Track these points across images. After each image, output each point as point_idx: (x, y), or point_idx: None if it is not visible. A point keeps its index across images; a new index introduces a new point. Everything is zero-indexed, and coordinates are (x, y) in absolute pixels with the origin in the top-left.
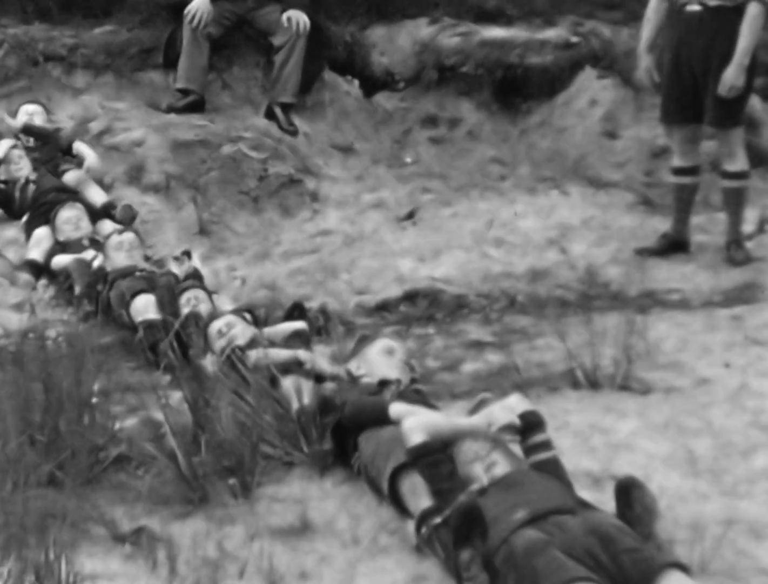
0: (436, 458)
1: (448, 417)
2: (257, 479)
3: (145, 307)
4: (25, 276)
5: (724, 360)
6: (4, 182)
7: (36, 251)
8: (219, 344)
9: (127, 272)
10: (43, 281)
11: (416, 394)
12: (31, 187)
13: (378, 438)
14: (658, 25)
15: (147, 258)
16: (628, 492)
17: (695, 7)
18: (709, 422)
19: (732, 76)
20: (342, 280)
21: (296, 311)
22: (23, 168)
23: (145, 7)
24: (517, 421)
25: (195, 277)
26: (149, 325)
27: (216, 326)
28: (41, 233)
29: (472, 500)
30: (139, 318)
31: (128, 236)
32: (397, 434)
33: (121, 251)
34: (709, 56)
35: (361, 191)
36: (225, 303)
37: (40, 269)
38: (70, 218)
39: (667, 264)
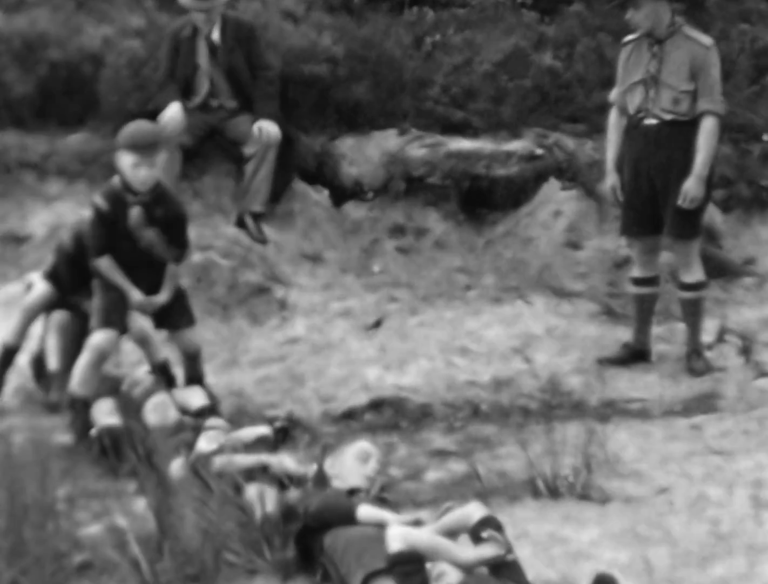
0: (413, 567)
1: (433, 535)
2: None
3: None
4: None
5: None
6: None
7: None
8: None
9: None
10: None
11: (381, 502)
12: None
13: (347, 536)
14: (620, 141)
15: None
16: None
17: (652, 121)
18: (668, 531)
19: (692, 187)
20: (309, 388)
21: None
22: None
23: (118, 116)
24: (504, 554)
25: (164, 374)
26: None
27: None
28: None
29: None
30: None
31: None
32: (368, 534)
33: None
34: (668, 169)
35: (329, 299)
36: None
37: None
38: None
39: (628, 373)
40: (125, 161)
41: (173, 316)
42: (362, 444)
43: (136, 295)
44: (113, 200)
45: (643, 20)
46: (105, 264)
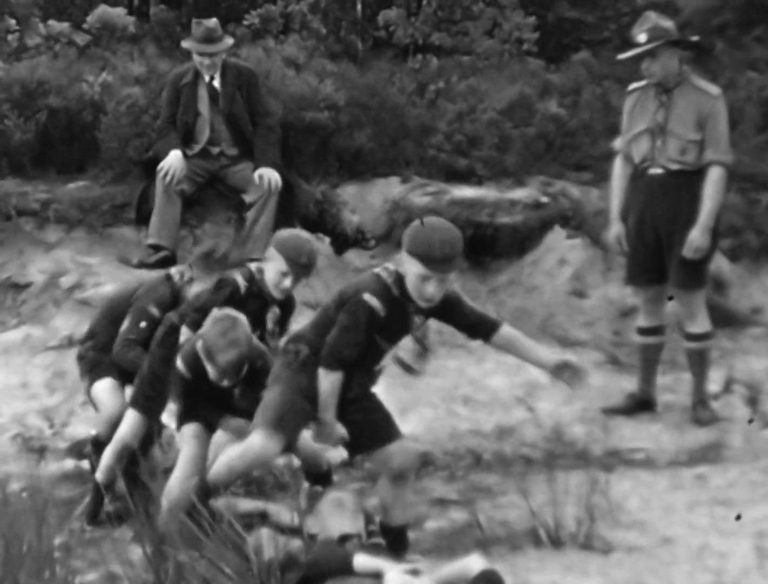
0: None
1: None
2: None
3: None
4: None
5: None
6: None
7: None
8: None
9: None
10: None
11: (376, 548)
12: None
13: None
14: (625, 190)
15: None
16: None
17: (658, 171)
18: (671, 582)
19: (698, 238)
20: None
21: None
22: None
23: (118, 163)
24: None
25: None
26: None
27: None
28: None
29: None
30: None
31: None
32: None
33: None
34: (674, 219)
35: None
36: None
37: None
38: None
39: (633, 423)
40: (412, 268)
41: (372, 434)
42: (332, 494)
43: (340, 429)
44: (392, 303)
45: (659, 70)
46: (333, 380)
